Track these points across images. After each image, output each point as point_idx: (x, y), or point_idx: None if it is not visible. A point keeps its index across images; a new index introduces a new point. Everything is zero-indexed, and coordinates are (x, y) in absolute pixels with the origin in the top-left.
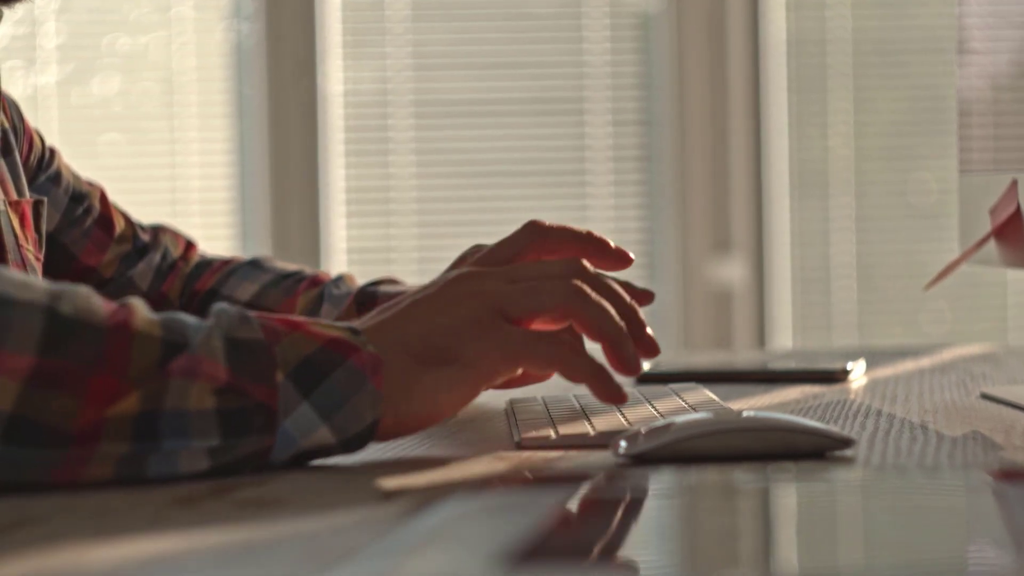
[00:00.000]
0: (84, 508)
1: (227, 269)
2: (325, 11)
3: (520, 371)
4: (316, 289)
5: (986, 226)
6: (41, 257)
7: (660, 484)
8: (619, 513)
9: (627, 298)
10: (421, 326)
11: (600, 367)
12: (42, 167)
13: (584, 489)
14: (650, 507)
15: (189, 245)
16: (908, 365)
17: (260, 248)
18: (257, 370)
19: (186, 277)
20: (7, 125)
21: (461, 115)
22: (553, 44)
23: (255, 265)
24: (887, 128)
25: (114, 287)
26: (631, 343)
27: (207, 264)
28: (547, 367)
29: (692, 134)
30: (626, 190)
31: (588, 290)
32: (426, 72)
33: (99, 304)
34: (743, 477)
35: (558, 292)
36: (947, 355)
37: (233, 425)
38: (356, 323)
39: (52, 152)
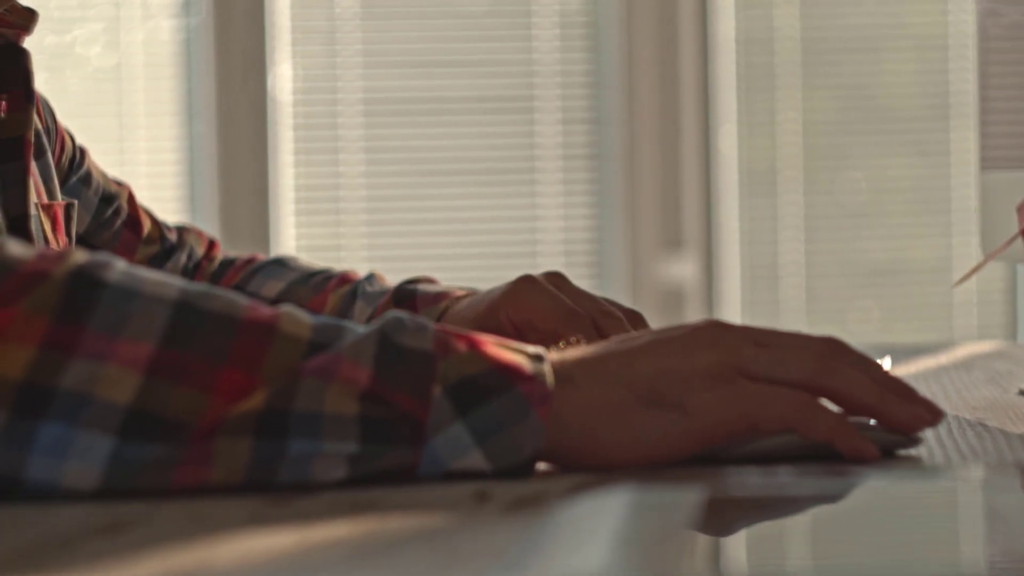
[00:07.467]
0: (176, 509)
1: (251, 267)
2: (273, 8)
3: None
4: (347, 287)
5: (1012, 223)
6: None
7: (754, 483)
8: (747, 513)
9: (885, 370)
10: (651, 366)
11: (844, 422)
12: (73, 168)
13: (705, 489)
14: (756, 507)
15: (212, 244)
16: (928, 363)
17: None
18: (411, 380)
19: (211, 276)
20: (41, 127)
21: (411, 113)
22: (502, 42)
23: (280, 263)
24: (834, 127)
25: None
26: (898, 403)
27: (230, 262)
28: (783, 426)
29: (642, 132)
30: (576, 188)
31: (840, 364)
32: (376, 70)
33: (242, 304)
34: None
35: (807, 364)
36: (961, 352)
37: (375, 432)
38: (574, 352)
39: (83, 152)
